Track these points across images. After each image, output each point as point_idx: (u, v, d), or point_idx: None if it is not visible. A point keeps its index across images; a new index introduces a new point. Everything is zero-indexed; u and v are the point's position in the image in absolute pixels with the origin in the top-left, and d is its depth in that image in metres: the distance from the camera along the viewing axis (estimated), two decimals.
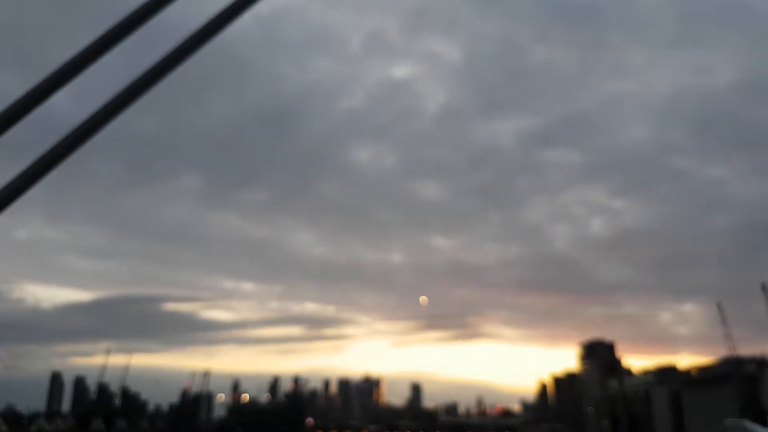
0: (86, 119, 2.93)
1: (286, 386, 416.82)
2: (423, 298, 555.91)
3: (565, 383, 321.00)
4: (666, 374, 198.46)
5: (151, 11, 2.97)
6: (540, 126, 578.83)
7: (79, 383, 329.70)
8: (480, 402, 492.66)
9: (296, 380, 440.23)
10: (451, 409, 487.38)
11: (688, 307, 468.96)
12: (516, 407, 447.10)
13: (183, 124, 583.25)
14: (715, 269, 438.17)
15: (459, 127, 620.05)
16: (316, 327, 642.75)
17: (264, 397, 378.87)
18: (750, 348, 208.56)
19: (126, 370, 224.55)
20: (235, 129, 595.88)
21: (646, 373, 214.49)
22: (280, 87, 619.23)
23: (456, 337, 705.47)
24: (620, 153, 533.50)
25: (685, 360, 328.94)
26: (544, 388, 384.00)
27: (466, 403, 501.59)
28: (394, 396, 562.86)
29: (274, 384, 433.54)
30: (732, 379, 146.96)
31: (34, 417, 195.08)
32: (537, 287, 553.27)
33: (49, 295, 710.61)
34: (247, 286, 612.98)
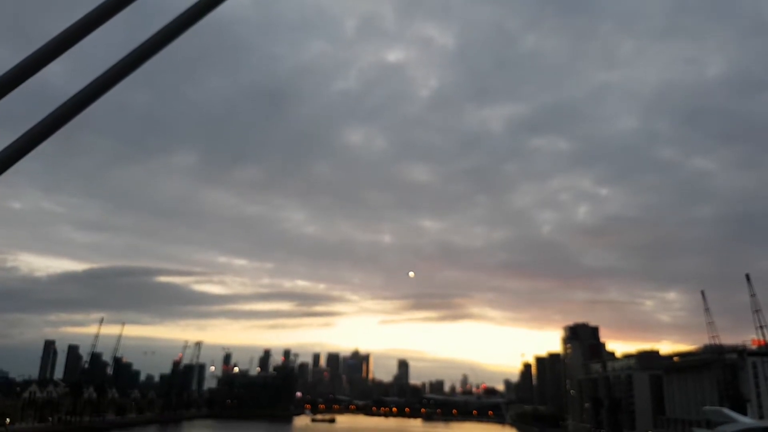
0: (80, 91, 2.93)
1: (276, 360, 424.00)
2: (411, 273, 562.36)
3: (548, 365, 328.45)
4: (648, 360, 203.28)
5: None
6: (529, 113, 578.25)
7: (72, 352, 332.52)
8: (465, 380, 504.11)
9: (286, 354, 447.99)
10: (437, 386, 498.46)
11: (672, 295, 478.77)
12: (500, 386, 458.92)
13: (178, 101, 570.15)
14: (699, 258, 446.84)
15: (450, 112, 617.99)
16: (307, 303, 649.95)
17: (254, 369, 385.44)
18: (732, 337, 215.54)
19: (119, 340, 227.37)
20: (230, 107, 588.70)
21: (629, 358, 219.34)
22: (274, 67, 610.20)
23: (443, 317, 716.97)
24: (607, 142, 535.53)
25: (667, 347, 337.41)
26: (527, 369, 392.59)
27: (451, 381, 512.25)
28: (382, 372, 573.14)
29: (265, 357, 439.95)
30: (713, 366, 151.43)
31: (26, 384, 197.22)
32: (523, 270, 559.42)
33: (43, 265, 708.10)
34: (240, 261, 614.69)
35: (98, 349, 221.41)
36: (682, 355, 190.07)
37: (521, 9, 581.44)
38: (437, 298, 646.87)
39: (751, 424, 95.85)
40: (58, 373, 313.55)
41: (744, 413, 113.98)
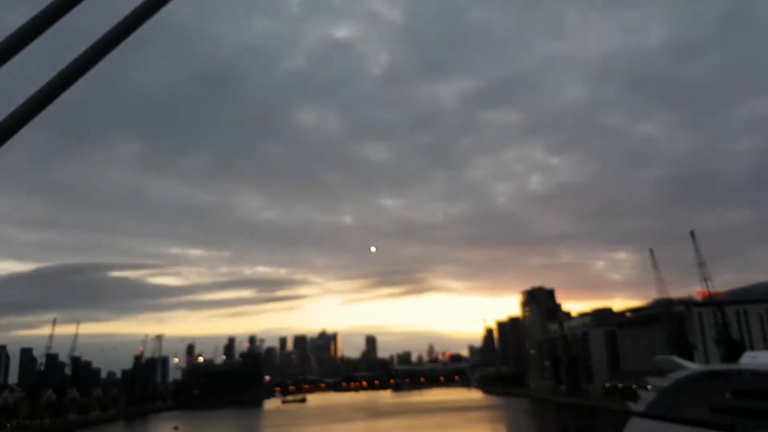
0: (38, 90, 2.81)
1: (241, 347, 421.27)
2: (373, 248, 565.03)
3: (508, 328, 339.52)
4: (601, 317, 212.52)
5: None
6: (480, 87, 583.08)
7: (26, 355, 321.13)
8: (431, 349, 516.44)
9: (252, 340, 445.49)
10: (405, 357, 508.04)
11: (621, 255, 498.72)
12: (465, 352, 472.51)
13: (118, 88, 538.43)
14: (646, 219, 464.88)
15: (403, 88, 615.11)
16: (269, 289, 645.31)
17: (220, 358, 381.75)
18: (679, 290, 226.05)
19: (75, 339, 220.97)
20: (173, 92, 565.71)
21: (584, 317, 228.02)
22: (216, 48, 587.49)
23: (406, 292, 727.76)
24: (557, 112, 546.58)
25: (619, 303, 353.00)
26: (489, 333, 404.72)
27: (418, 352, 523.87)
28: (350, 349, 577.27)
29: (230, 345, 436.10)
30: (662, 319, 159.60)
31: None
32: (481, 241, 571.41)
33: None
34: (195, 251, 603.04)
35: (54, 350, 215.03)
36: (633, 311, 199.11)
37: None
38: (400, 274, 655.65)
39: (698, 369, 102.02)
40: (13, 378, 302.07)
41: (692, 360, 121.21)
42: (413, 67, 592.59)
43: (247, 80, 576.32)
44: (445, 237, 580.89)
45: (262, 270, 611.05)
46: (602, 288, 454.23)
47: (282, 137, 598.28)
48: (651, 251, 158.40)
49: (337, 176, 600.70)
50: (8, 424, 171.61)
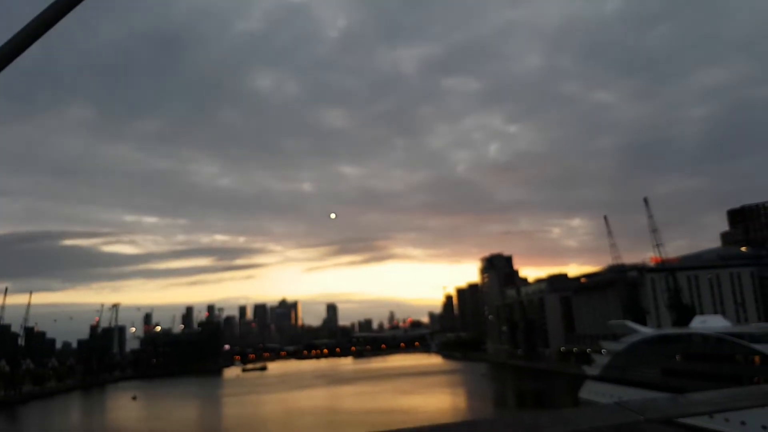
0: None
1: (200, 316, 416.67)
2: (332, 215, 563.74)
3: (467, 295, 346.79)
4: (557, 282, 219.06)
5: None
6: (440, 53, 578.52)
7: None
8: (392, 317, 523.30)
9: (210, 309, 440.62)
10: (366, 325, 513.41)
11: (577, 222, 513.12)
12: (425, 319, 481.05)
13: (68, 50, 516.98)
14: (601, 187, 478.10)
15: (362, 53, 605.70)
16: (228, 257, 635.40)
17: (178, 327, 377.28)
18: (632, 256, 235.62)
19: (27, 309, 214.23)
20: (125, 55, 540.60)
21: (540, 282, 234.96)
22: (169, 9, 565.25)
23: (367, 260, 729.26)
24: (515, 80, 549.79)
25: (575, 269, 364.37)
26: (449, 300, 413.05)
27: (379, 319, 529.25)
28: (311, 318, 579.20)
29: (188, 314, 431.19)
30: (616, 284, 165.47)
31: None
32: (441, 209, 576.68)
33: None
34: (150, 219, 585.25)
35: (5, 321, 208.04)
36: (588, 276, 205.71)
37: None
38: (360, 242, 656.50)
39: (651, 333, 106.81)
40: None
41: (645, 324, 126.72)
42: (372, 31, 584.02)
43: (200, 43, 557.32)
44: (405, 205, 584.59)
45: (220, 238, 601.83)
46: (558, 254, 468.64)
47: (238, 102, 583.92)
48: (605, 218, 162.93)
49: (296, 143, 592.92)
50: None
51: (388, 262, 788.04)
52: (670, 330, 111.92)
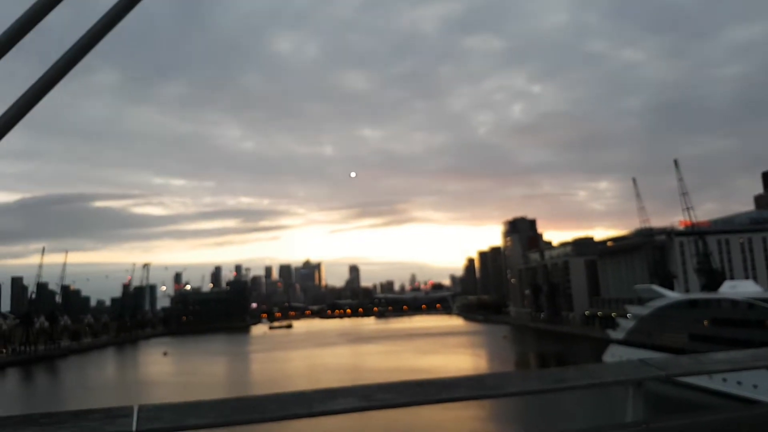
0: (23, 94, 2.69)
1: (228, 275, 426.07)
2: (353, 174, 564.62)
3: (490, 258, 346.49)
4: (583, 246, 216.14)
5: None
6: (461, 11, 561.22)
7: (16, 283, 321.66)
8: (413, 279, 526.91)
9: (238, 269, 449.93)
10: (387, 286, 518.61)
11: (603, 185, 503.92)
12: (446, 282, 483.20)
13: (91, 15, 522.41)
14: (629, 148, 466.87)
15: (382, 13, 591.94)
16: (253, 219, 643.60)
17: (207, 286, 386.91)
18: (661, 220, 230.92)
19: (63, 268, 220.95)
20: (146, 19, 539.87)
21: (565, 246, 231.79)
22: None
23: (388, 222, 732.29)
24: (539, 38, 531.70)
25: (601, 233, 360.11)
26: (471, 263, 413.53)
27: (400, 281, 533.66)
28: (334, 279, 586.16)
29: (216, 273, 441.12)
30: (643, 248, 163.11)
31: None
32: (462, 172, 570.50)
33: None
34: (178, 182, 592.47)
35: (44, 279, 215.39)
36: (614, 240, 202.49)
37: None
38: (382, 205, 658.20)
39: (678, 298, 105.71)
40: (5, 305, 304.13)
41: (672, 289, 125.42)
42: None
43: (220, 5, 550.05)
44: (425, 168, 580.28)
45: (245, 200, 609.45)
46: (584, 218, 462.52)
47: (259, 65, 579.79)
48: (634, 180, 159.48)
49: (317, 106, 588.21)
50: (4, 350, 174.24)
51: (409, 224, 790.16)
52: (698, 295, 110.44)
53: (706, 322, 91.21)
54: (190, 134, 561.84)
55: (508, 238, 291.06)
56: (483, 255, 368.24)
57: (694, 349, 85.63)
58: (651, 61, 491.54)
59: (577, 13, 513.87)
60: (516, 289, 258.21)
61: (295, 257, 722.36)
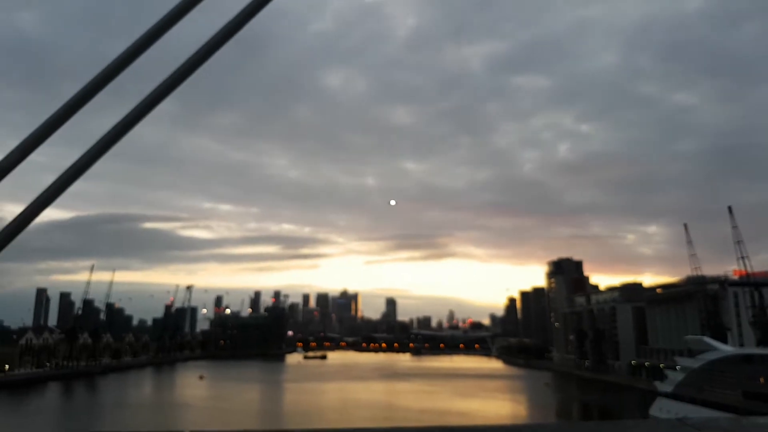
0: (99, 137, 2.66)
1: (266, 301, 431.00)
2: (392, 202, 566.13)
3: (532, 299, 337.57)
4: (631, 292, 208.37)
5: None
6: (509, 51, 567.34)
7: (64, 299, 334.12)
8: (451, 316, 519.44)
9: (276, 295, 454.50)
10: (425, 322, 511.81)
11: (653, 229, 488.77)
12: (486, 321, 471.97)
13: (152, 49, 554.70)
14: (680, 192, 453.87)
15: (429, 51, 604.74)
16: (294, 246, 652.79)
17: (246, 311, 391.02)
18: (713, 268, 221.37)
19: (110, 286, 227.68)
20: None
21: (612, 291, 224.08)
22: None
23: (427, 256, 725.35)
24: (588, 78, 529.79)
25: (650, 279, 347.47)
26: (512, 303, 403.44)
27: (438, 317, 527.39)
28: (370, 310, 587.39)
29: (255, 298, 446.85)
30: (695, 297, 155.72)
31: (22, 331, 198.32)
32: (506, 209, 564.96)
33: None
34: (225, 207, 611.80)
35: (90, 296, 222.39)
36: (664, 287, 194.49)
37: None
38: (421, 238, 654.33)
39: (732, 352, 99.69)
40: (52, 320, 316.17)
41: (725, 342, 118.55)
42: (440, 29, 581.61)
43: (276, 42, 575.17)
44: (468, 203, 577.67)
45: (287, 227, 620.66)
46: (632, 262, 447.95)
47: (309, 98, 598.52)
48: (685, 226, 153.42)
49: (362, 139, 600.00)
50: (48, 364, 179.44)
51: (449, 259, 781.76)
52: (754, 350, 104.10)
53: (762, 380, 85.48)
54: (241, 162, 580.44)
55: (552, 279, 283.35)
56: (525, 295, 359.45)
57: (748, 407, 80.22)
58: (705, 104, 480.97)
59: (628, 56, 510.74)
60: (560, 334, 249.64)
61: (333, 286, 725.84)
